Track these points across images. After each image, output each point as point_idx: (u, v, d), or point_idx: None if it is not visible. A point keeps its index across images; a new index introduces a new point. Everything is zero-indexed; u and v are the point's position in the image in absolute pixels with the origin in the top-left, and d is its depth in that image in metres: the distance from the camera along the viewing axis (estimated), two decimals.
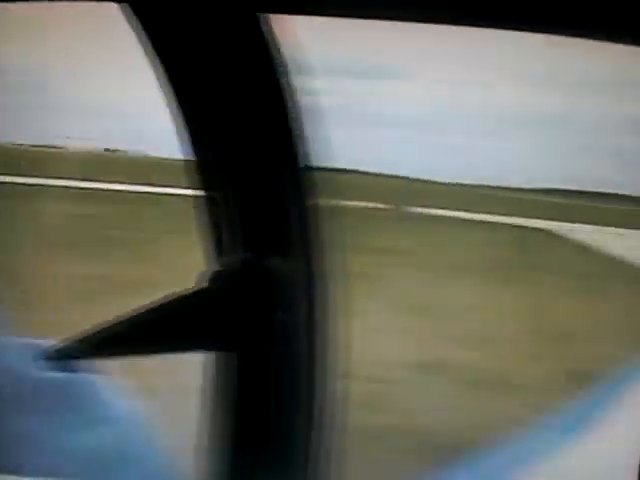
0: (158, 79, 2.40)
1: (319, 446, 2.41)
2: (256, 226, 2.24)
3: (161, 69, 2.35)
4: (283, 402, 2.34)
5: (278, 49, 2.28)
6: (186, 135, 2.42)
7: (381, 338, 14.05)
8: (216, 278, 2.30)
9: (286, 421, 2.31)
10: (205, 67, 2.26)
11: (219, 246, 2.41)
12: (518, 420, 9.40)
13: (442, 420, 9.72)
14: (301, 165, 2.30)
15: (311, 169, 2.36)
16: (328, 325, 2.41)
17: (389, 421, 9.76)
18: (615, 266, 33.16)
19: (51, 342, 2.59)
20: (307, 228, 2.28)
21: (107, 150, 21.75)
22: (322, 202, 2.46)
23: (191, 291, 2.35)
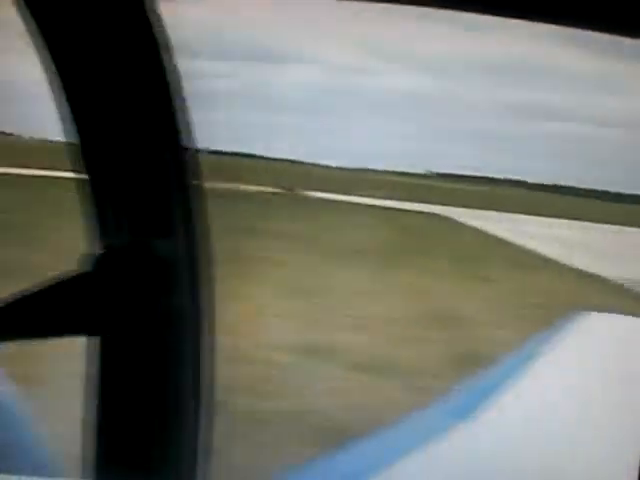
0: (42, 61, 2.34)
1: (205, 431, 2.38)
2: (139, 209, 2.19)
3: (44, 49, 2.28)
4: (168, 385, 2.30)
5: (163, 30, 2.23)
6: (69, 118, 2.36)
7: (270, 322, 14.08)
8: (99, 261, 2.25)
9: (171, 405, 2.28)
10: (87, 46, 2.20)
11: (103, 229, 2.35)
12: (406, 403, 9.53)
13: (331, 404, 9.78)
14: (185, 148, 2.26)
15: (197, 152, 2.33)
16: (214, 308, 2.37)
17: (278, 405, 9.78)
18: (504, 250, 33.92)
19: None
20: (191, 211, 2.24)
21: None
22: (209, 185, 2.43)
23: (72, 274, 2.28)
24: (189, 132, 2.31)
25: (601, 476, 2.09)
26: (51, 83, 2.37)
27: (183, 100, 2.28)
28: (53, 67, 2.31)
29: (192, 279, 2.26)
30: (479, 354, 12.20)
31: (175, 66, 2.27)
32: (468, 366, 10.69)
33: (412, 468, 1.82)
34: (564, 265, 29.50)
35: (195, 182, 2.33)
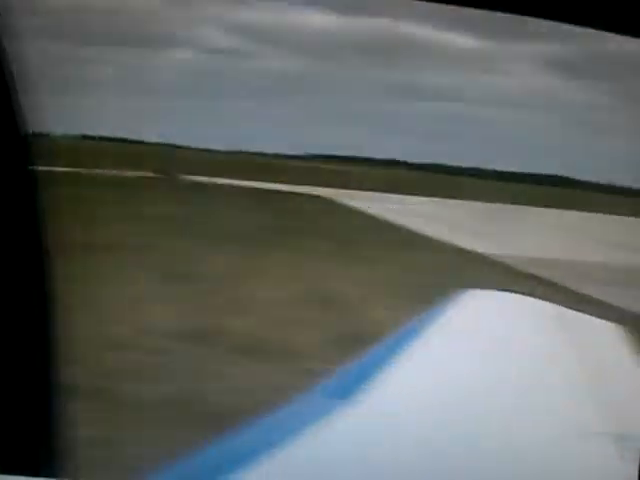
0: None
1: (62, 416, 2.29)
2: None
3: None
4: (18, 379, 2.21)
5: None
6: None
7: (152, 307, 13.92)
8: None
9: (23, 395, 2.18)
10: None
11: None
12: (291, 386, 9.54)
13: (217, 388, 9.74)
14: (23, 133, 2.17)
15: (37, 136, 2.23)
16: (60, 298, 2.28)
17: (164, 391, 9.68)
18: (385, 230, 34.31)
19: None
20: (30, 197, 2.15)
21: None
22: (83, 171, 2.34)
23: None
24: (26, 116, 2.20)
25: (487, 452, 2.12)
26: None
27: (21, 84, 2.16)
28: None
29: (37, 269, 2.16)
30: (363, 335, 12.29)
31: (8, 49, 2.15)
32: (352, 347, 10.76)
33: (297, 451, 1.80)
34: (445, 243, 30.05)
35: (36, 168, 2.22)
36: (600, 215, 66.77)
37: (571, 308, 4.23)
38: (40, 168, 2.16)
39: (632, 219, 66.77)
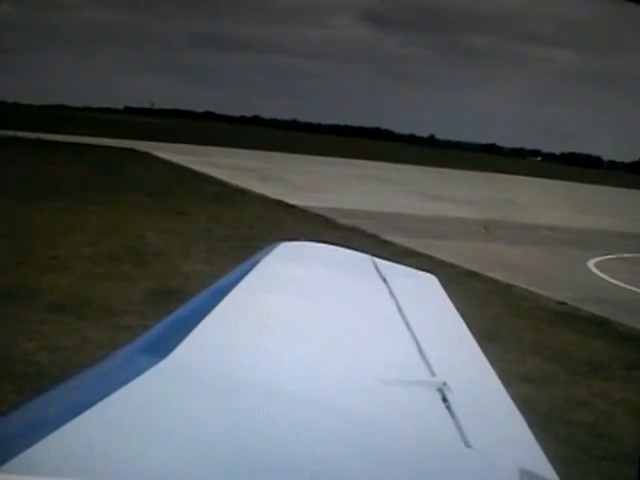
0: None
1: None
2: None
3: None
4: None
5: None
6: None
7: None
8: None
9: None
10: None
11: None
12: (107, 343, 9.42)
13: (32, 347, 9.49)
14: None
15: None
16: None
17: None
18: (200, 183, 34.09)
19: None
20: None
21: None
22: None
23: None
24: None
25: (308, 401, 2.13)
26: None
27: None
28: None
29: None
30: (177, 289, 12.26)
31: None
32: (166, 302, 10.70)
33: (111, 409, 1.75)
34: (260, 195, 30.22)
35: None
36: (418, 167, 69.03)
37: (386, 258, 4.30)
38: None
39: (446, 171, 68.90)
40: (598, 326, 13.90)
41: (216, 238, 18.66)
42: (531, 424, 2.40)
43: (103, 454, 1.54)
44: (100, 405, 1.71)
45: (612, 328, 13.88)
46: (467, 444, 2.06)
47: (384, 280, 3.64)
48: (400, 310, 3.18)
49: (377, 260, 4.10)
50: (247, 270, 3.30)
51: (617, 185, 75.24)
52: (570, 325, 13.83)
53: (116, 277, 13.43)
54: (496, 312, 13.69)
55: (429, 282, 4.07)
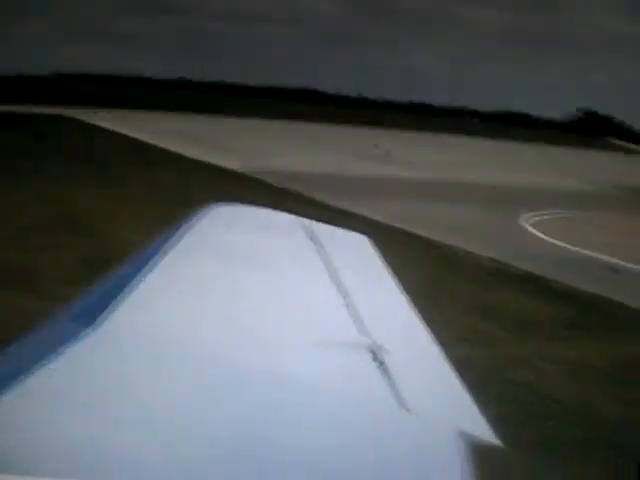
0: None
1: None
2: None
3: None
4: None
5: None
6: None
7: None
8: None
9: None
10: None
11: None
12: (38, 311, 9.27)
13: None
14: None
15: None
16: None
17: None
18: (133, 150, 33.71)
19: None
20: None
21: None
22: None
23: None
24: None
25: (244, 363, 2.10)
26: None
27: None
28: None
29: None
30: (109, 256, 12.08)
31: None
32: (98, 269, 10.54)
33: (46, 379, 1.69)
34: (193, 160, 29.98)
35: None
36: (348, 128, 69.01)
37: (321, 220, 4.26)
38: None
39: (379, 131, 68.87)
40: (533, 284, 14.07)
41: (151, 203, 18.49)
42: (470, 385, 2.39)
43: (38, 425, 1.49)
44: (33, 376, 1.66)
45: (547, 285, 14.06)
46: (402, 406, 2.03)
47: (317, 242, 3.60)
48: (333, 271, 3.14)
49: (309, 222, 4.06)
50: (179, 234, 3.24)
51: (554, 144, 76.04)
52: (505, 283, 13.98)
53: (46, 245, 13.24)
54: (430, 271, 13.78)
55: (362, 243, 4.04)
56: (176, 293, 2.57)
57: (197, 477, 1.48)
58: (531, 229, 20.72)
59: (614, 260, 16.93)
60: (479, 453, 1.88)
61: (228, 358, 2.06)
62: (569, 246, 18.44)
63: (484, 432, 2.07)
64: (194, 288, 2.66)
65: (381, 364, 2.28)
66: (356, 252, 3.86)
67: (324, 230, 4.01)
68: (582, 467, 6.92)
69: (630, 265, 16.65)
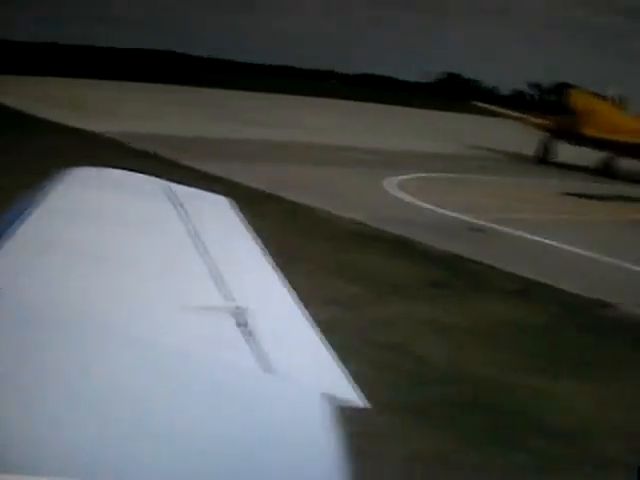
0: None
1: None
2: None
3: None
4: None
5: None
6: None
7: None
8: None
9: None
10: None
11: None
12: None
13: None
14: None
15: None
16: None
17: None
18: (12, 118, 32.61)
19: None
20: None
21: None
22: None
23: None
24: None
25: (110, 326, 2.07)
26: None
27: None
28: None
29: None
30: None
31: None
32: None
33: None
34: (61, 124, 29.29)
35: None
36: (249, 94, 68.47)
37: (181, 183, 4.21)
38: None
39: (242, 94, 68.47)
40: (398, 246, 14.28)
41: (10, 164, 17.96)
42: (335, 347, 2.38)
43: None
44: None
45: (412, 247, 14.29)
46: (267, 369, 2.04)
47: (179, 204, 3.56)
48: (195, 234, 3.12)
49: (171, 185, 4.01)
50: (39, 198, 3.18)
51: (419, 107, 77.05)
52: (370, 246, 14.15)
53: None
54: (297, 234, 13.82)
55: (223, 205, 4.02)
56: (37, 259, 2.52)
57: (67, 444, 1.45)
58: (396, 192, 21.01)
59: (480, 222, 17.34)
60: (346, 416, 1.87)
61: (90, 323, 2.04)
62: (435, 208, 18.78)
63: (351, 395, 2.07)
64: (51, 253, 2.60)
65: (245, 328, 2.27)
66: (217, 215, 3.83)
67: (186, 192, 3.98)
68: (451, 428, 7.08)
69: (495, 226, 17.08)
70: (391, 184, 22.12)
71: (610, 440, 7.18)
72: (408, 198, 20.03)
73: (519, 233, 16.63)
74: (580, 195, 24.75)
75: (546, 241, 16.03)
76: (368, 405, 2.06)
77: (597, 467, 6.72)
